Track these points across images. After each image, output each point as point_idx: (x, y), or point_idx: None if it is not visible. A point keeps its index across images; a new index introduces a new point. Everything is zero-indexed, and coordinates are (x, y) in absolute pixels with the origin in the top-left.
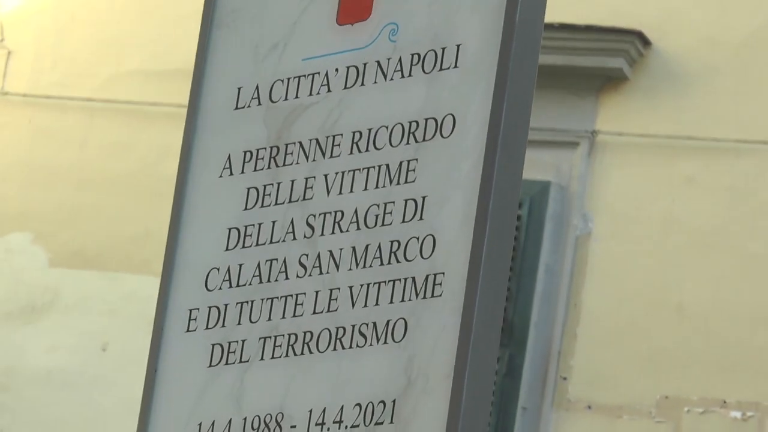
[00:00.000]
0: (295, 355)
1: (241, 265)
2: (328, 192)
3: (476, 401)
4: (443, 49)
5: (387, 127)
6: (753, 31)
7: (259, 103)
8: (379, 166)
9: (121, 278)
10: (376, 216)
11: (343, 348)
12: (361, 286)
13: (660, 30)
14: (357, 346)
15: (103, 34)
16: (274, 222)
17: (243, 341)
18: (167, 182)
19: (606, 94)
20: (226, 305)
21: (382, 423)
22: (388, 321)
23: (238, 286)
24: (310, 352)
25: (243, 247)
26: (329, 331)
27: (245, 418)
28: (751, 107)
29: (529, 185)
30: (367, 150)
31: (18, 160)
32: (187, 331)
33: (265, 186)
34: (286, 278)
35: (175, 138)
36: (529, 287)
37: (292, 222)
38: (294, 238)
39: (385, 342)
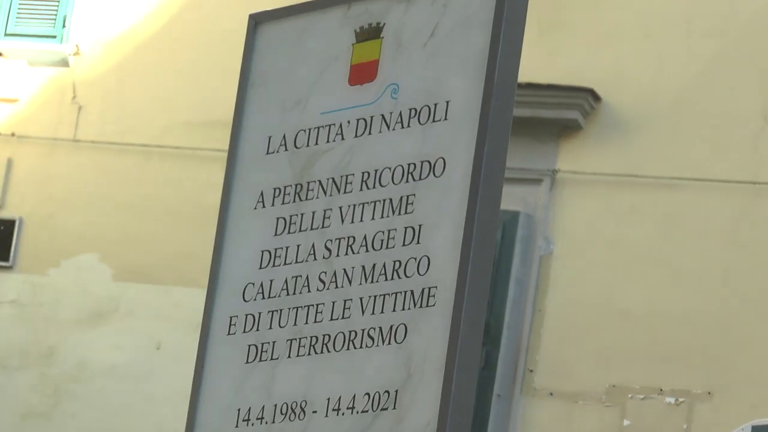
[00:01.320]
0: (315, 353)
1: (272, 281)
2: (342, 221)
3: (463, 390)
4: (435, 104)
5: (390, 168)
6: (684, 88)
7: (286, 149)
8: (384, 200)
9: (171, 290)
10: (382, 240)
11: (355, 348)
12: (370, 297)
13: (608, 87)
14: (366, 346)
15: (157, 92)
16: (298, 246)
17: (273, 342)
18: (209, 212)
19: (564, 140)
20: (259, 313)
21: (386, 409)
22: (391, 326)
23: (269, 297)
24: (328, 351)
25: (273, 266)
26: (343, 334)
27: (275, 405)
28: (683, 150)
29: (503, 214)
30: (374, 187)
31: (87, 195)
32: (228, 334)
33: (291, 216)
34: (309, 291)
35: (215, 176)
36: (503, 296)
37: (313, 246)
38: (315, 259)
39: (389, 343)
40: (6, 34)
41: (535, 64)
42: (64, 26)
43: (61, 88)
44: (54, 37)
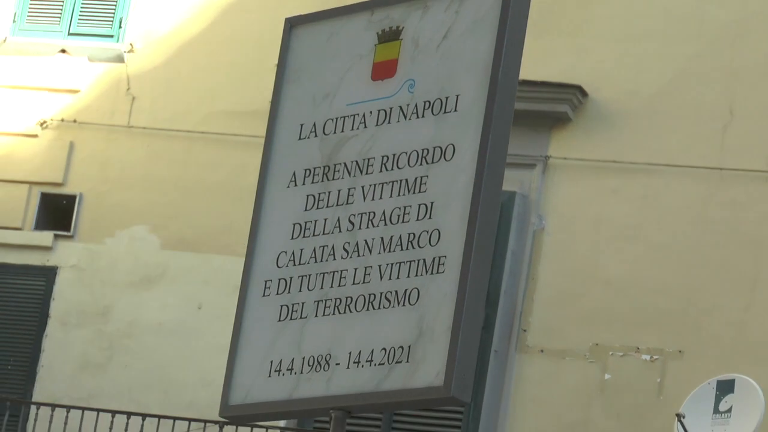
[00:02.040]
0: (339, 313)
1: (302, 250)
2: (364, 198)
3: (467, 347)
4: (447, 98)
5: (406, 153)
6: (660, 86)
7: (316, 135)
8: (401, 181)
9: (212, 258)
10: (398, 216)
11: (374, 309)
12: (387, 265)
13: (594, 85)
14: (384, 307)
15: (201, 85)
16: (325, 219)
17: (302, 303)
18: (245, 190)
19: (555, 130)
20: (291, 278)
21: (400, 362)
22: (406, 290)
23: (299, 264)
24: (350, 312)
25: (303, 237)
26: (364, 296)
27: (303, 358)
28: (659, 140)
29: (502, 194)
30: (392, 169)
31: (139, 174)
32: (263, 296)
33: (319, 194)
34: (334, 259)
35: (251, 159)
36: (500, 265)
37: (338, 220)
38: (340, 231)
39: (404, 305)
40: (69, 34)
41: (531, 64)
42: (120, 27)
43: (117, 81)
44: (111, 36)
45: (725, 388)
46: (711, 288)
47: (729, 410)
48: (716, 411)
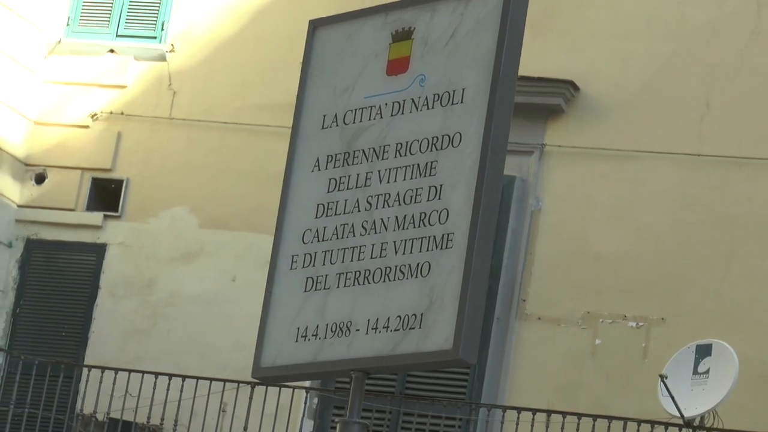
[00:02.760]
0: (359, 284)
1: (325, 228)
2: (380, 181)
3: (473, 314)
4: (454, 91)
5: (418, 140)
6: (645, 80)
7: (337, 125)
8: (413, 165)
9: (245, 235)
10: (411, 197)
11: (390, 280)
12: (402, 241)
13: (585, 80)
14: (398, 279)
15: (234, 81)
16: (346, 200)
17: (326, 276)
18: (274, 175)
19: (551, 121)
20: (315, 253)
21: (413, 328)
22: (418, 263)
23: (323, 241)
24: (368, 283)
25: (326, 216)
26: (381, 269)
27: (327, 324)
28: (644, 129)
29: (503, 178)
30: (405, 155)
31: (179, 161)
32: (290, 269)
33: (340, 177)
34: (354, 236)
35: (279, 147)
36: (501, 242)
37: (357, 201)
38: (359, 211)
39: (416, 277)
40: (117, 36)
41: (528, 61)
42: (162, 29)
43: (160, 78)
44: (154, 38)
45: (703, 351)
46: (690, 262)
47: (707, 372)
48: (695, 372)
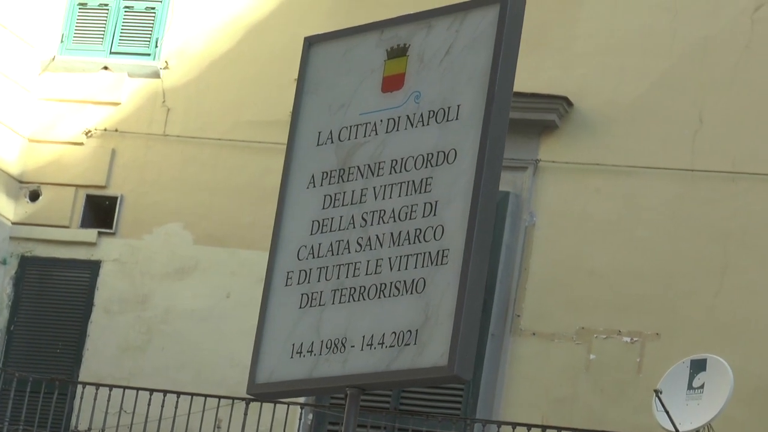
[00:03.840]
0: (354, 301)
1: (320, 244)
2: (376, 198)
3: (468, 330)
4: (449, 107)
5: (413, 157)
6: (638, 96)
7: (332, 142)
8: (408, 182)
9: (239, 252)
10: (406, 213)
11: (385, 296)
12: (396, 257)
13: (579, 95)
14: (393, 295)
15: (228, 97)
16: (341, 217)
17: (321, 292)
18: (268, 191)
19: (544, 136)
20: (310, 269)
21: (409, 344)
22: (413, 279)
23: (318, 257)
24: (364, 299)
25: (321, 232)
26: (376, 285)
27: (322, 341)
28: (637, 144)
29: (498, 194)
30: (400, 171)
31: (174, 177)
32: (285, 285)
33: (335, 194)
34: (349, 252)
35: (274, 163)
36: (496, 257)
37: (352, 217)
38: (354, 227)
39: (411, 293)
40: (111, 53)
41: (522, 77)
42: (156, 47)
43: (154, 94)
44: (148, 54)
45: (698, 366)
46: (685, 276)
47: (702, 386)
48: (690, 387)
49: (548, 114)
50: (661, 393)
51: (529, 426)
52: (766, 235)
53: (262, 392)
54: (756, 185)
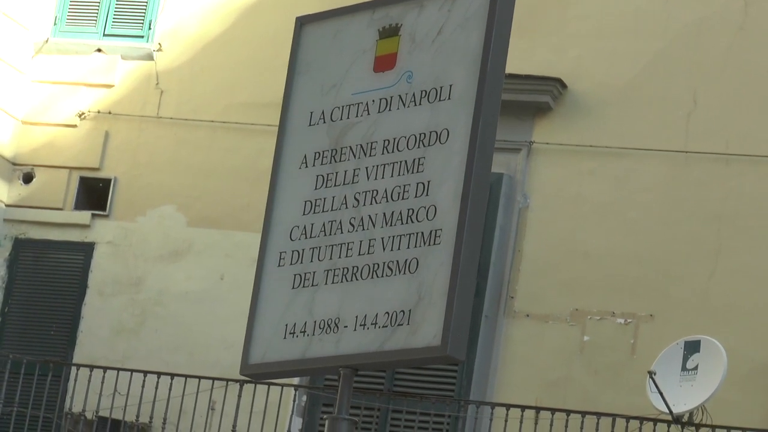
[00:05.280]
0: (347, 281)
1: (312, 224)
2: (368, 178)
3: (461, 310)
4: (441, 87)
5: (405, 137)
6: (632, 78)
7: (324, 122)
8: (401, 162)
9: (233, 234)
10: (398, 193)
11: (378, 277)
12: (390, 237)
13: (573, 77)
14: (386, 275)
15: (221, 80)
16: (333, 197)
17: (314, 272)
18: (262, 173)
19: (538, 118)
20: (303, 249)
21: (402, 324)
22: (406, 260)
23: (310, 237)
24: (356, 280)
25: (314, 213)
26: (369, 266)
27: (315, 321)
28: (631, 126)
29: (491, 175)
30: (392, 151)
31: (167, 159)
32: (278, 266)
33: (327, 174)
34: (341, 232)
35: (267, 145)
36: (490, 239)
37: (345, 197)
38: (346, 208)
39: (404, 273)
40: (104, 35)
41: (516, 59)
42: (149, 29)
43: (147, 77)
44: (142, 37)
45: (692, 348)
46: (678, 258)
47: (695, 368)
48: (684, 369)
49: (542, 96)
50: (655, 374)
51: (523, 407)
52: (760, 217)
53: (255, 373)
54: (750, 167)
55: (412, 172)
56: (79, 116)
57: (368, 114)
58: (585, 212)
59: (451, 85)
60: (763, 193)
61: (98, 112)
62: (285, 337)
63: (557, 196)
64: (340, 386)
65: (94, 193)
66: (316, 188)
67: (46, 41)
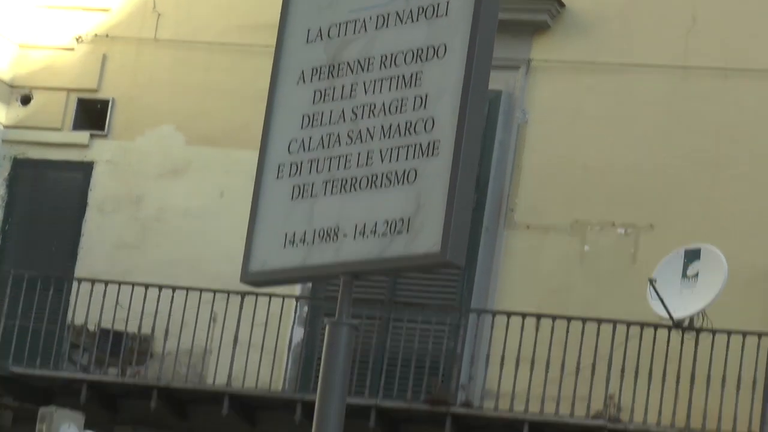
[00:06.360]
0: (346, 192)
1: (310, 137)
2: (366, 92)
3: (460, 217)
4: (438, 3)
5: (403, 52)
6: None
7: (321, 39)
8: (399, 76)
9: (231, 151)
10: (396, 107)
11: (377, 187)
12: (388, 149)
13: None
14: (385, 186)
15: (218, 2)
16: (331, 111)
17: (312, 183)
18: (260, 93)
19: (537, 36)
20: (301, 162)
21: (401, 232)
22: (404, 170)
23: (309, 150)
24: (355, 190)
25: (312, 126)
26: (367, 177)
27: (314, 230)
28: (629, 42)
29: (489, 93)
30: (390, 66)
31: (165, 80)
32: (277, 178)
33: (325, 89)
34: (339, 145)
35: (265, 65)
36: (489, 155)
37: (342, 111)
38: (344, 121)
39: (403, 183)
40: None
41: None
42: None
43: (144, 0)
44: None
45: (692, 256)
46: (677, 169)
47: (696, 275)
48: (684, 276)
49: (540, 14)
50: (655, 282)
51: (523, 315)
52: (758, 129)
53: (256, 280)
54: (748, 81)
55: (410, 87)
56: (77, 40)
57: (365, 30)
58: (584, 127)
59: (448, 2)
60: (761, 105)
61: (95, 35)
62: (285, 246)
63: (556, 111)
64: (341, 292)
65: (92, 114)
66: (314, 103)
67: None
